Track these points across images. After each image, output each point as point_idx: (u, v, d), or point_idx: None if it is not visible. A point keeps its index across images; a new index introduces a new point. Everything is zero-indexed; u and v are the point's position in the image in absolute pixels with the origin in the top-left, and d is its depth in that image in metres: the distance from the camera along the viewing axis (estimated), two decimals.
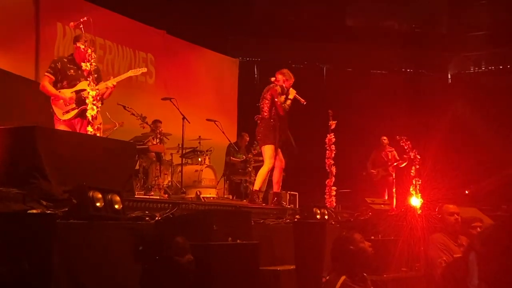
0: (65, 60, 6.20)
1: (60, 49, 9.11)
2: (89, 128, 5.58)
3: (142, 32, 11.24)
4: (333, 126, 8.45)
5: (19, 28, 8.71)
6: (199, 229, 4.14)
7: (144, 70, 6.86)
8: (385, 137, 11.25)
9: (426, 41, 14.75)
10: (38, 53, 8.87)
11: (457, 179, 9.95)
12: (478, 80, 15.03)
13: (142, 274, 3.35)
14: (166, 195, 7.97)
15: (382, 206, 8.12)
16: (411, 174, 8.60)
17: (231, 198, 9.64)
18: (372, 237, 5.84)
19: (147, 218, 4.21)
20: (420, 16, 14.97)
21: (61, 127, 5.99)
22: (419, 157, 8.81)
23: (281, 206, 7.43)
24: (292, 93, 7.38)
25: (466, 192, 11.09)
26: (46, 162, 4.11)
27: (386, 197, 10.50)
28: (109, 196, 3.77)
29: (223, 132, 9.40)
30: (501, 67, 14.91)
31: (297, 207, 8.85)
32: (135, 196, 5.43)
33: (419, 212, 7.11)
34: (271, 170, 7.43)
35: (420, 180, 8.45)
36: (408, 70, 15.50)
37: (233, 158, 10.48)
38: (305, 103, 7.43)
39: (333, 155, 8.40)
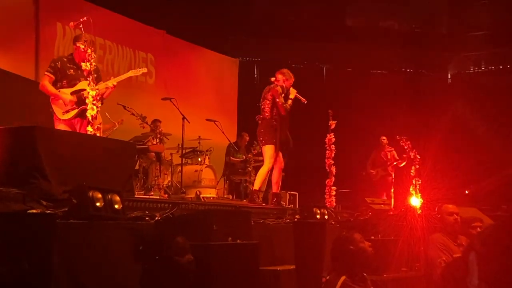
0: (65, 59, 6.19)
1: (60, 49, 9.11)
2: (89, 128, 5.58)
3: (142, 32, 11.24)
4: (333, 126, 8.45)
5: (19, 28, 8.71)
6: (199, 229, 4.14)
7: (145, 70, 6.86)
8: (384, 137, 11.25)
9: (426, 41, 14.75)
10: (38, 53, 8.87)
11: (457, 179, 9.95)
12: (478, 80, 15.03)
13: (142, 274, 3.35)
14: (166, 195, 7.97)
15: (382, 206, 8.13)
16: (411, 174, 8.59)
17: (231, 198, 9.64)
18: (372, 237, 5.84)
19: (147, 218, 4.21)
20: (420, 16, 14.97)
21: (61, 126, 5.99)
22: (419, 157, 8.80)
23: (280, 206, 7.43)
24: (293, 93, 7.39)
25: (466, 192, 11.09)
26: (46, 162, 4.11)
27: (385, 197, 10.49)
28: (109, 196, 3.77)
29: (223, 132, 9.40)
30: (501, 67, 14.91)
31: (297, 207, 8.85)
32: (135, 196, 5.43)
33: (419, 212, 7.11)
34: (271, 170, 7.44)
35: (420, 180, 8.45)
36: (408, 70, 15.50)
37: (233, 158, 10.48)
38: (306, 102, 7.45)
39: (333, 155, 8.41)
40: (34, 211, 3.60)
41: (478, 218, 5.36)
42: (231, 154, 10.52)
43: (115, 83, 6.14)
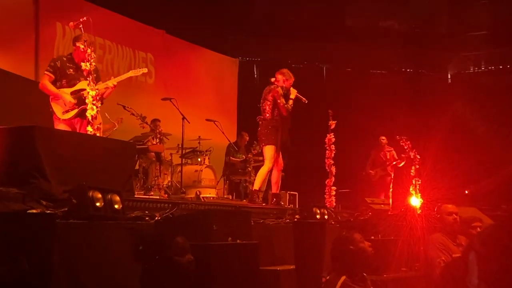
0: (65, 59, 6.18)
1: (60, 49, 9.11)
2: (89, 128, 5.58)
3: (141, 32, 11.23)
4: (333, 126, 8.46)
5: (19, 28, 8.71)
6: (199, 229, 4.14)
7: (145, 70, 6.85)
8: (383, 137, 11.25)
9: (426, 41, 14.75)
10: (37, 53, 8.86)
11: (457, 179, 9.95)
12: (478, 80, 15.03)
13: (142, 274, 3.35)
14: (166, 195, 7.96)
15: (382, 206, 8.13)
16: (411, 174, 8.60)
17: (230, 198, 9.64)
18: (372, 237, 5.84)
19: (147, 218, 4.22)
20: (420, 16, 14.97)
21: (61, 126, 5.98)
22: (419, 157, 8.81)
23: (280, 206, 7.43)
24: (293, 93, 7.40)
25: (466, 192, 11.10)
26: (46, 162, 4.11)
27: (383, 198, 10.49)
28: (109, 196, 3.77)
29: (223, 133, 9.40)
30: (501, 67, 14.91)
31: (297, 207, 8.85)
32: (135, 196, 5.43)
33: (419, 212, 7.11)
34: (271, 171, 7.44)
35: (420, 180, 8.45)
36: (408, 70, 15.51)
37: (233, 158, 10.47)
38: (306, 102, 7.45)
39: (333, 155, 8.41)
40: (34, 211, 3.61)
41: (478, 218, 5.36)
42: (231, 154, 10.51)
43: (115, 83, 6.14)
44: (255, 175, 8.16)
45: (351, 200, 10.03)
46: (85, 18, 5.93)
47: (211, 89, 13.00)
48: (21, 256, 3.14)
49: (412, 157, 8.85)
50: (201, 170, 9.12)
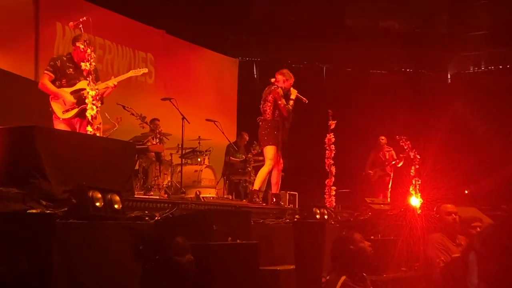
0: (64, 58, 6.18)
1: (60, 49, 9.11)
2: (89, 128, 5.58)
3: (141, 32, 11.23)
4: (332, 126, 8.45)
5: (19, 28, 8.71)
6: (199, 229, 4.14)
7: (145, 70, 6.85)
8: (383, 137, 11.25)
9: (426, 41, 14.75)
10: (37, 53, 8.87)
11: (457, 179, 9.96)
12: (478, 80, 15.02)
13: (142, 274, 3.35)
14: (166, 195, 7.96)
15: (382, 206, 8.12)
16: (411, 174, 8.60)
17: (230, 198, 9.64)
18: (372, 237, 5.85)
19: (146, 218, 4.22)
20: (420, 16, 14.97)
21: (60, 126, 5.97)
22: (419, 157, 8.81)
23: (280, 206, 7.43)
24: (294, 93, 7.40)
25: (466, 192, 11.09)
26: (46, 162, 4.11)
27: (381, 198, 10.49)
28: (109, 196, 3.77)
29: (222, 133, 9.40)
30: (501, 67, 14.91)
31: (297, 207, 8.85)
32: (135, 196, 5.43)
33: (418, 212, 7.11)
34: (271, 171, 7.44)
35: (419, 180, 8.46)
36: (408, 70, 15.50)
37: (233, 158, 10.48)
38: (307, 102, 7.45)
39: (332, 155, 8.41)
40: (34, 211, 3.61)
41: (478, 218, 5.35)
42: (231, 154, 10.52)
43: (115, 83, 6.14)
44: (255, 175, 8.16)
45: (351, 200, 10.03)
46: (85, 18, 5.93)
47: (211, 89, 13.00)
48: (21, 256, 3.14)
49: (412, 157, 8.85)
50: (201, 170, 9.12)
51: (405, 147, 9.07)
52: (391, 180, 10.97)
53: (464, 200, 9.72)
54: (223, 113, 12.28)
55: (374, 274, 4.51)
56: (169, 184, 8.99)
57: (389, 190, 10.91)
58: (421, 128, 12.36)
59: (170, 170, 9.22)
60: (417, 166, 8.64)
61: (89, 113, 5.62)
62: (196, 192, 8.46)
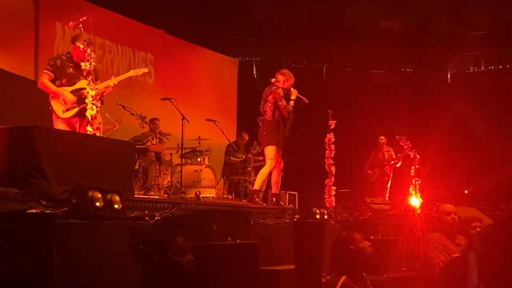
0: (64, 58, 6.17)
1: (60, 48, 9.11)
2: (89, 128, 5.58)
3: (141, 32, 11.23)
4: (332, 126, 8.46)
5: (18, 28, 8.71)
6: (199, 229, 4.14)
7: (145, 70, 6.85)
8: (382, 137, 11.25)
9: (426, 41, 14.75)
10: (37, 53, 8.86)
11: (457, 179, 9.95)
12: (478, 80, 15.03)
13: (142, 274, 3.35)
14: (166, 195, 7.97)
15: (382, 206, 8.13)
16: (411, 174, 8.61)
17: (230, 198, 9.64)
18: (372, 237, 5.85)
19: (146, 218, 4.22)
20: (420, 16, 14.97)
21: (60, 125, 5.97)
22: (418, 157, 8.81)
23: (280, 206, 7.43)
24: (294, 94, 7.40)
25: (465, 191, 11.09)
26: (46, 162, 4.11)
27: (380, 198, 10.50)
28: (109, 196, 3.78)
29: (222, 133, 9.40)
30: (501, 67, 14.91)
31: (297, 207, 8.85)
32: (135, 196, 5.43)
33: (418, 212, 7.11)
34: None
35: (419, 180, 8.46)
36: (408, 70, 15.50)
37: (233, 158, 10.48)
38: (307, 102, 7.45)
39: (332, 155, 8.41)
40: (33, 211, 3.61)
41: (478, 217, 5.35)
42: (231, 154, 10.51)
43: (115, 82, 6.14)
44: (255, 175, 8.16)
45: (351, 200, 10.03)
46: (84, 18, 5.93)
47: (211, 89, 13.00)
48: (21, 256, 3.14)
49: (412, 157, 8.86)
50: (201, 170, 9.12)
51: (405, 147, 9.07)
52: (390, 180, 10.97)
53: (464, 200, 9.71)
54: (223, 113, 12.28)
55: (374, 274, 4.51)
56: (169, 184, 8.99)
57: (388, 190, 10.90)
58: (421, 128, 12.36)
59: (170, 170, 9.22)
60: (417, 166, 8.65)
61: (89, 113, 5.61)
62: (196, 192, 8.46)
